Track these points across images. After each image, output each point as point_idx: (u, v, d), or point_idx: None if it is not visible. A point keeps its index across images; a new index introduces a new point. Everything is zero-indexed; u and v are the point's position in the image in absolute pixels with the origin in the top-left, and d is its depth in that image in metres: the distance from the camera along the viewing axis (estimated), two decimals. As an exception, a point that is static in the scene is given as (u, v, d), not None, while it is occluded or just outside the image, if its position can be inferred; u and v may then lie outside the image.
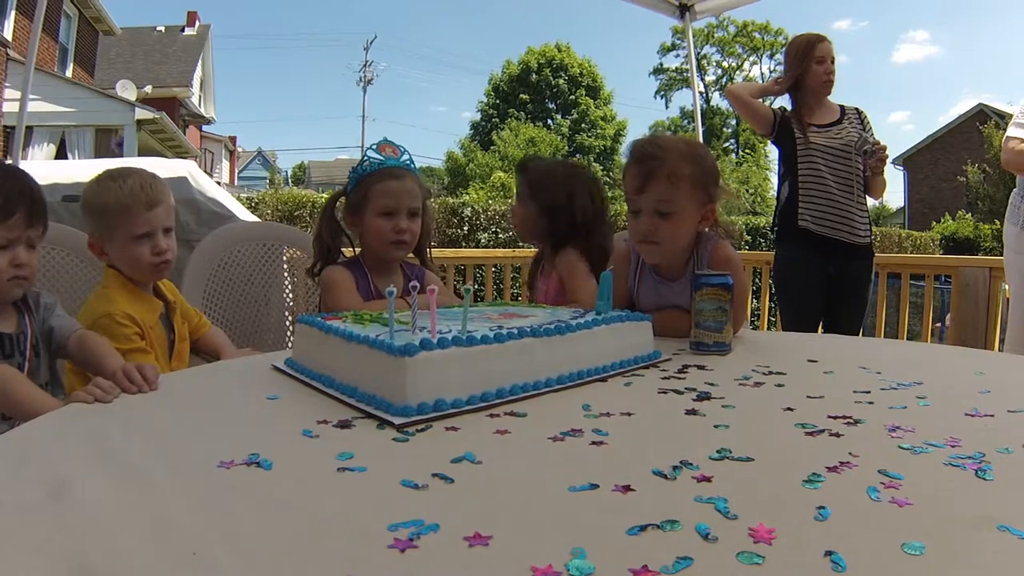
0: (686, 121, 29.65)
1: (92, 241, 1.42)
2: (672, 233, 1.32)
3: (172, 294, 1.51)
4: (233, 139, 28.80)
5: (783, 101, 2.72)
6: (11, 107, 9.03)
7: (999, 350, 2.88)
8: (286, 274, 2.07)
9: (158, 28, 19.33)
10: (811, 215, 2.52)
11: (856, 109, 2.65)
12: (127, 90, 13.10)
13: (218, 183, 3.93)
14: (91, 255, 1.48)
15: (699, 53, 30.25)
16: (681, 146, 1.35)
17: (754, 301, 5.09)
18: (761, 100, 2.73)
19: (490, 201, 9.73)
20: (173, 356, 1.43)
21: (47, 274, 1.66)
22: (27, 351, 1.19)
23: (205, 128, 22.00)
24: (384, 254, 1.57)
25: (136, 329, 1.33)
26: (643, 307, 1.40)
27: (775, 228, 2.72)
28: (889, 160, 2.56)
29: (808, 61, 2.55)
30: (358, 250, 1.65)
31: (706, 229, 1.37)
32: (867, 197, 2.59)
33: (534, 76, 28.58)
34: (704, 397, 0.84)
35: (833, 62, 2.57)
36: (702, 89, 30.53)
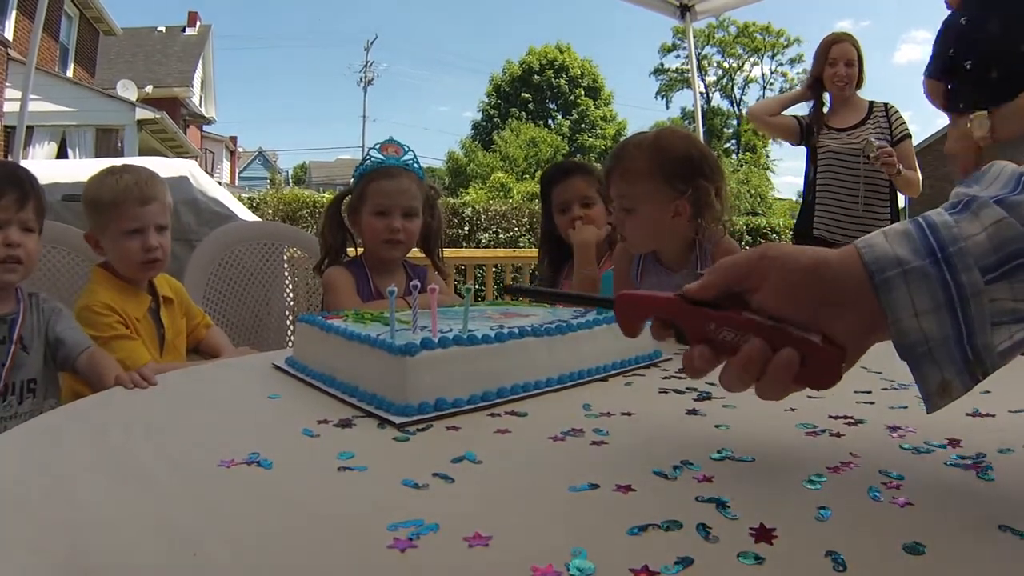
0: (687, 121, 29.65)
1: (89, 234, 1.42)
2: (635, 228, 1.33)
3: (174, 292, 1.51)
4: (234, 139, 28.84)
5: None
6: (12, 107, 9.04)
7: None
8: (287, 273, 2.07)
9: (159, 28, 19.36)
10: (826, 222, 2.50)
11: (884, 105, 2.57)
12: (128, 90, 13.12)
13: (219, 183, 3.93)
14: (92, 254, 1.48)
15: (700, 54, 30.27)
16: (647, 140, 1.33)
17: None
18: (782, 112, 2.70)
19: (491, 201, 9.73)
20: (164, 350, 1.43)
21: (47, 273, 1.66)
22: (13, 341, 1.18)
23: (206, 128, 22.02)
24: (379, 253, 1.58)
25: (116, 317, 1.33)
26: None
27: (795, 230, 2.71)
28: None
29: (822, 62, 2.52)
30: (360, 250, 1.65)
31: (700, 221, 1.35)
32: (901, 197, 2.54)
33: (536, 77, 28.60)
34: (705, 397, 0.84)
35: (849, 64, 2.51)
36: (703, 90, 30.54)
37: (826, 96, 2.62)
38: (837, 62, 2.51)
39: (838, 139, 2.50)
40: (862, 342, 0.50)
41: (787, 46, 30.54)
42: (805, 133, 2.60)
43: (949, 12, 1.59)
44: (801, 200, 2.76)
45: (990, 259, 0.46)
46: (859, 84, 2.56)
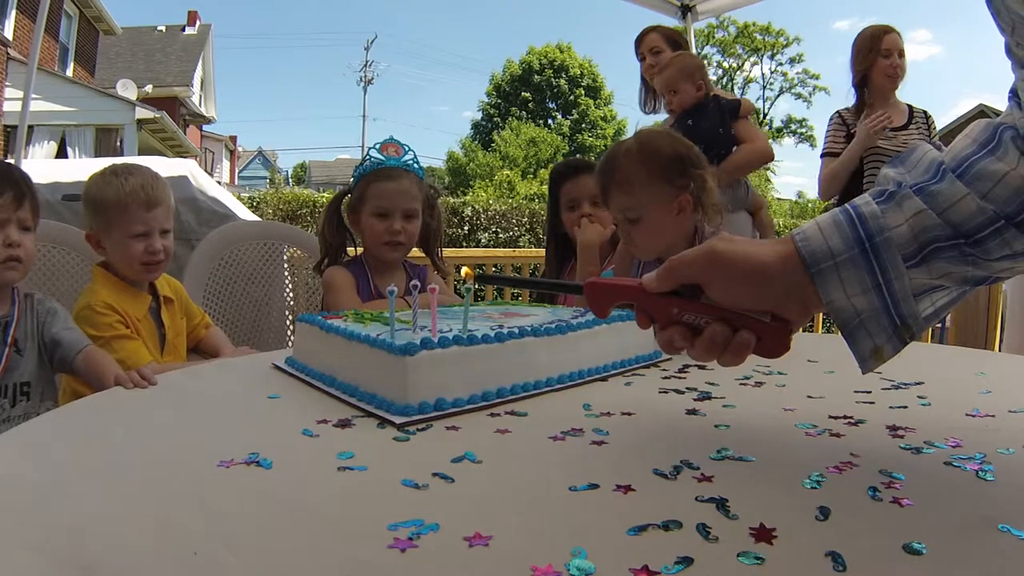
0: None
1: (90, 234, 1.42)
2: (643, 236, 1.33)
3: (174, 292, 1.51)
4: (233, 139, 28.83)
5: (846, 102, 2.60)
6: (12, 106, 9.04)
7: (999, 351, 2.88)
8: (287, 273, 2.07)
9: (159, 27, 19.37)
10: None
11: (924, 112, 2.53)
12: (128, 89, 13.12)
13: (218, 183, 3.93)
14: (92, 253, 1.48)
15: (700, 54, 30.24)
16: (633, 147, 1.32)
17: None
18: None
19: (491, 201, 9.73)
20: (165, 350, 1.43)
21: (48, 272, 1.66)
22: (7, 343, 1.18)
23: (205, 128, 22.02)
24: (379, 254, 1.58)
25: (117, 317, 1.33)
26: None
27: None
28: None
29: (874, 55, 2.44)
30: (360, 250, 1.65)
31: (700, 214, 1.34)
32: None
33: (536, 76, 28.59)
34: (705, 397, 0.84)
35: (901, 55, 2.45)
36: (703, 89, 30.44)
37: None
38: (892, 52, 2.43)
39: (885, 139, 2.41)
40: (805, 316, 0.59)
41: (787, 46, 30.51)
42: (849, 134, 2.52)
43: (680, 115, 2.31)
44: (836, 201, 2.70)
45: (911, 247, 0.54)
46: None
